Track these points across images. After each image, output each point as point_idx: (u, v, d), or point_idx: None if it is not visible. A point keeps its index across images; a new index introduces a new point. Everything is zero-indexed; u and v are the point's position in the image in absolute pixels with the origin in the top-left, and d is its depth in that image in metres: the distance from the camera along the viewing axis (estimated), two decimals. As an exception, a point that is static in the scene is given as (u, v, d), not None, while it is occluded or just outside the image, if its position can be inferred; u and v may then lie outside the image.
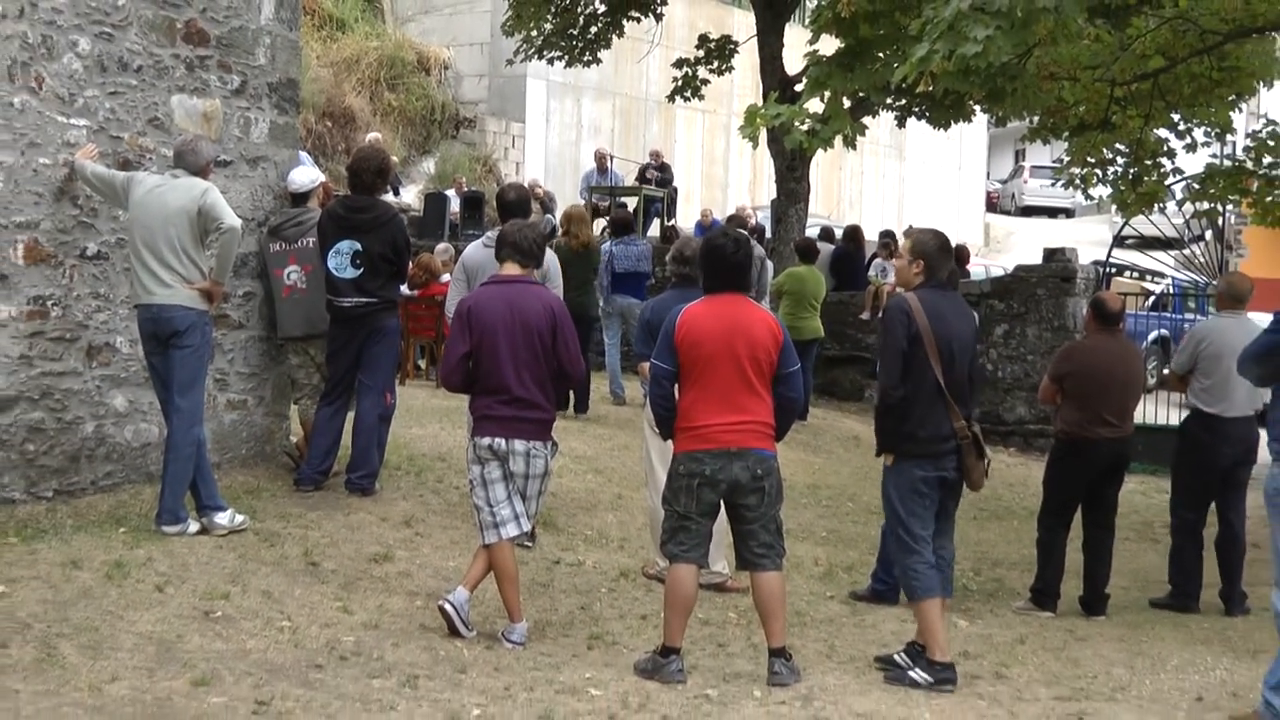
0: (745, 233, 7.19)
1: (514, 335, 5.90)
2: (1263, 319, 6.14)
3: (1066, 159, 13.93)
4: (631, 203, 18.95)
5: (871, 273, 16.41)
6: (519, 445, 5.92)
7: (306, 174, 8.25)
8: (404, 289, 10.46)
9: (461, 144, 24.22)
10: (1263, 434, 6.32)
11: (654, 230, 19.44)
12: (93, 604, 5.58)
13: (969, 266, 19.24)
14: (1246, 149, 12.63)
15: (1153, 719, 5.54)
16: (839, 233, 18.13)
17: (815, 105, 11.94)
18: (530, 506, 6.06)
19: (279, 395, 8.24)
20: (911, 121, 15.64)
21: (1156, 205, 13.59)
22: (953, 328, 6.00)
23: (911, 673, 5.92)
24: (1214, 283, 12.90)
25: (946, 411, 5.94)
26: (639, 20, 16.61)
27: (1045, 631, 7.27)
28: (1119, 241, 18.39)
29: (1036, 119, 13.55)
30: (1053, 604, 7.78)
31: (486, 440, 5.93)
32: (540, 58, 16.93)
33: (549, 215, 18.78)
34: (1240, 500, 8.29)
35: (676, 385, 5.72)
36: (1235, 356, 7.90)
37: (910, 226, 14.80)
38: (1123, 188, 13.14)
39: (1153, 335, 17.76)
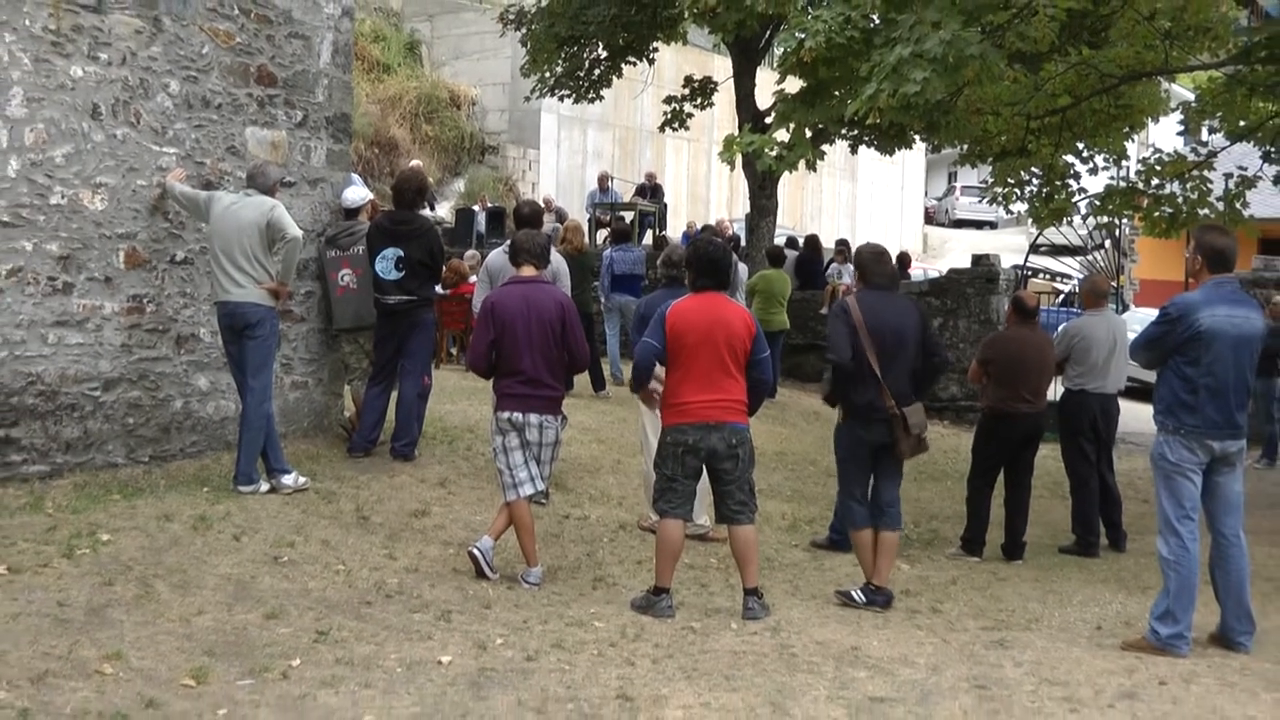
0: (721, 240, 7.18)
1: (529, 326, 5.88)
2: (1150, 313, 6.19)
3: (991, 180, 13.89)
4: (629, 216, 18.89)
5: (829, 274, 16.40)
6: (533, 418, 5.91)
7: (357, 193, 8.24)
8: (438, 289, 10.45)
9: (486, 167, 24.14)
10: (1141, 409, 6.38)
11: (648, 239, 19.38)
12: (182, 550, 5.60)
13: (910, 270, 19.27)
14: (1138, 172, 12.64)
15: (1061, 645, 5.56)
16: (802, 241, 18.10)
17: (782, 135, 11.95)
18: (544, 470, 6.05)
19: (335, 377, 8.24)
20: (862, 148, 15.61)
21: (1065, 218, 13.60)
22: (886, 321, 6.05)
23: (853, 592, 6.08)
24: (1112, 283, 12.95)
25: (878, 390, 5.99)
26: (635, 64, 16.52)
27: (973, 573, 7.30)
28: (1034, 249, 18.35)
29: (966, 146, 13.52)
30: (979, 550, 7.82)
31: (506, 414, 5.93)
32: (552, 95, 16.85)
33: (558, 225, 18.72)
34: (1110, 460, 8.41)
35: (658, 357, 5.71)
36: (1101, 347, 8.13)
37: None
38: (1037, 204, 13.12)
39: (1062, 327, 17.68)
